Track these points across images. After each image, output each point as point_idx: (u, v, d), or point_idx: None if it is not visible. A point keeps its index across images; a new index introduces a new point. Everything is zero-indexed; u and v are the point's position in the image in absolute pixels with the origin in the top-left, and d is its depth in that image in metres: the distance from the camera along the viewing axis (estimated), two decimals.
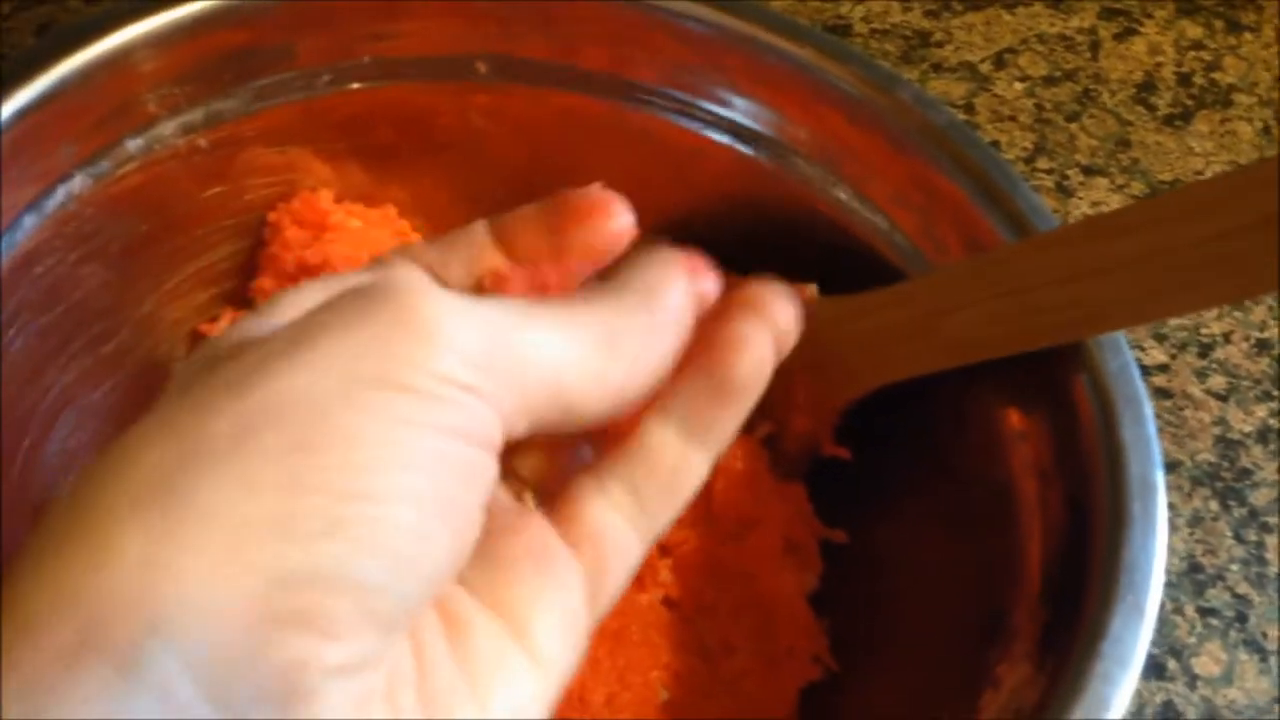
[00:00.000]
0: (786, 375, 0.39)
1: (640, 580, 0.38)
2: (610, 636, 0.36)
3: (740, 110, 0.40)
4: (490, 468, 0.21)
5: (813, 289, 0.38)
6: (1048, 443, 0.34)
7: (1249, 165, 0.29)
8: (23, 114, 0.36)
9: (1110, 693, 0.28)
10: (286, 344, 0.19)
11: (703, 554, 0.39)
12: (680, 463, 0.24)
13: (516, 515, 0.23)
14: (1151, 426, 0.32)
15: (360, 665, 0.18)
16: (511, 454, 0.24)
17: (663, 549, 0.39)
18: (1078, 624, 0.30)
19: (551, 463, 0.26)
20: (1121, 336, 0.33)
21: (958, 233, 0.37)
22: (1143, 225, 0.30)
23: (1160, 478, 0.31)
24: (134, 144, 0.39)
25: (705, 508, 0.39)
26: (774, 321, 0.27)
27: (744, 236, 0.41)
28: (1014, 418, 0.35)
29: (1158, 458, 0.31)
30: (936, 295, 0.35)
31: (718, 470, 0.38)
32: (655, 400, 0.24)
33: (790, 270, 0.39)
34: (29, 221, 0.37)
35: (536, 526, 0.23)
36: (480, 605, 0.22)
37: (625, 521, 0.24)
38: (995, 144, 0.56)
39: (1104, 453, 0.32)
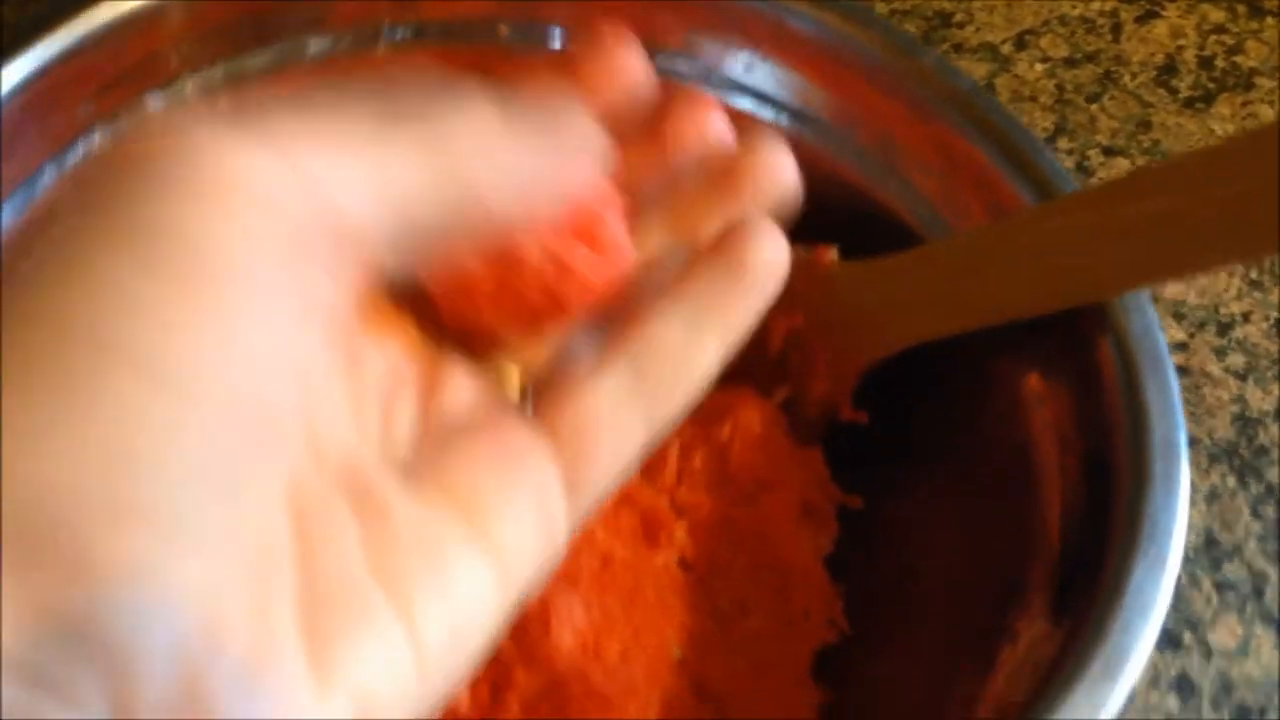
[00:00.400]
0: (806, 339, 0.40)
1: (655, 541, 0.38)
2: (625, 595, 0.36)
3: (762, 76, 0.40)
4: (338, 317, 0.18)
5: (833, 252, 0.38)
6: (1069, 405, 0.34)
7: (1271, 124, 0.29)
8: (45, 68, 0.36)
9: (1130, 643, 0.28)
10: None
11: (718, 516, 0.39)
12: (690, 347, 0.23)
13: (487, 412, 0.22)
14: (1175, 387, 0.32)
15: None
16: (505, 349, 0.24)
17: (678, 510, 0.39)
18: (1098, 577, 0.30)
19: (549, 357, 0.24)
20: (1146, 297, 0.33)
21: (979, 198, 0.37)
22: (1165, 186, 0.30)
23: (1183, 439, 0.31)
24: (155, 101, 0.39)
25: (721, 470, 0.39)
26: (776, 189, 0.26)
27: None
28: (1035, 380, 0.35)
29: (1181, 419, 0.31)
30: (958, 258, 0.35)
31: (735, 432, 0.38)
32: (667, 288, 0.23)
33: (811, 236, 0.39)
34: (49, 175, 0.37)
35: (505, 420, 0.22)
36: (425, 500, 0.20)
37: (621, 404, 0.22)
38: None
39: (1127, 414, 0.32)
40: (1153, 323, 0.33)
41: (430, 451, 0.21)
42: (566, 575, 0.35)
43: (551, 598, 0.35)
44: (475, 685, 0.35)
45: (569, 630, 0.34)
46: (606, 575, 0.37)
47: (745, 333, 0.24)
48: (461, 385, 0.22)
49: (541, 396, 0.23)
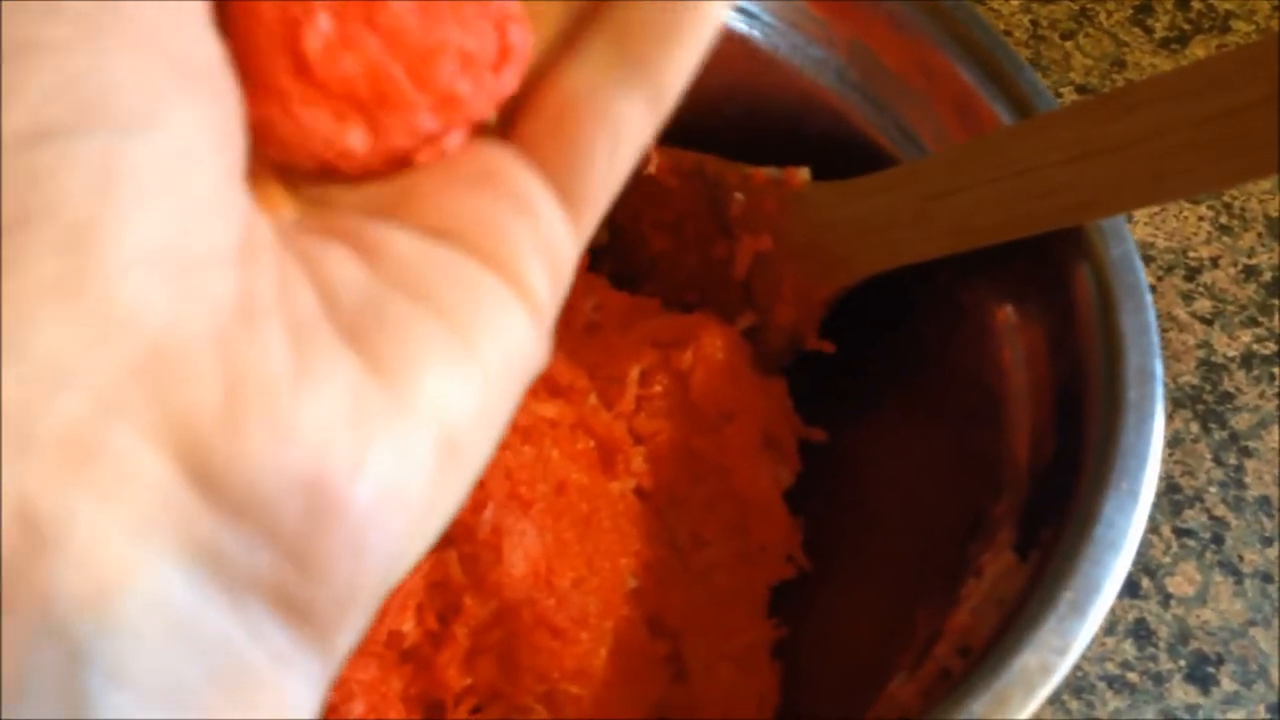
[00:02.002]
0: (773, 263, 0.38)
1: (612, 468, 0.37)
2: (580, 521, 0.35)
3: None
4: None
5: (804, 172, 0.37)
6: (1042, 334, 0.33)
7: (1256, 41, 0.27)
8: None
9: (1101, 576, 0.27)
10: None
11: (678, 445, 0.38)
12: (678, 8, 0.18)
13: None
14: (1152, 315, 0.31)
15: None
16: None
17: (637, 437, 0.38)
18: (1067, 510, 0.29)
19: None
20: (1123, 223, 0.32)
21: (958, 117, 0.35)
22: (1147, 103, 0.29)
23: (1159, 367, 0.30)
24: None
25: (682, 397, 0.38)
26: None
27: (736, 122, 0.40)
28: (1008, 310, 0.34)
29: (1157, 347, 0.30)
30: (933, 178, 0.33)
31: (697, 359, 0.37)
32: None
33: (784, 157, 0.38)
34: None
35: (471, 147, 0.18)
36: (420, 240, 0.17)
37: (606, 81, 0.18)
38: None
39: (1101, 342, 0.31)
40: (1130, 250, 0.32)
41: (394, 197, 0.18)
42: (519, 500, 0.34)
43: (503, 522, 0.33)
44: (421, 612, 0.33)
45: (521, 556, 0.33)
46: (561, 501, 0.35)
47: None
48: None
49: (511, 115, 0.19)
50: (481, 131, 0.19)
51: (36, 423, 0.13)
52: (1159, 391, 0.30)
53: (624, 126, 0.18)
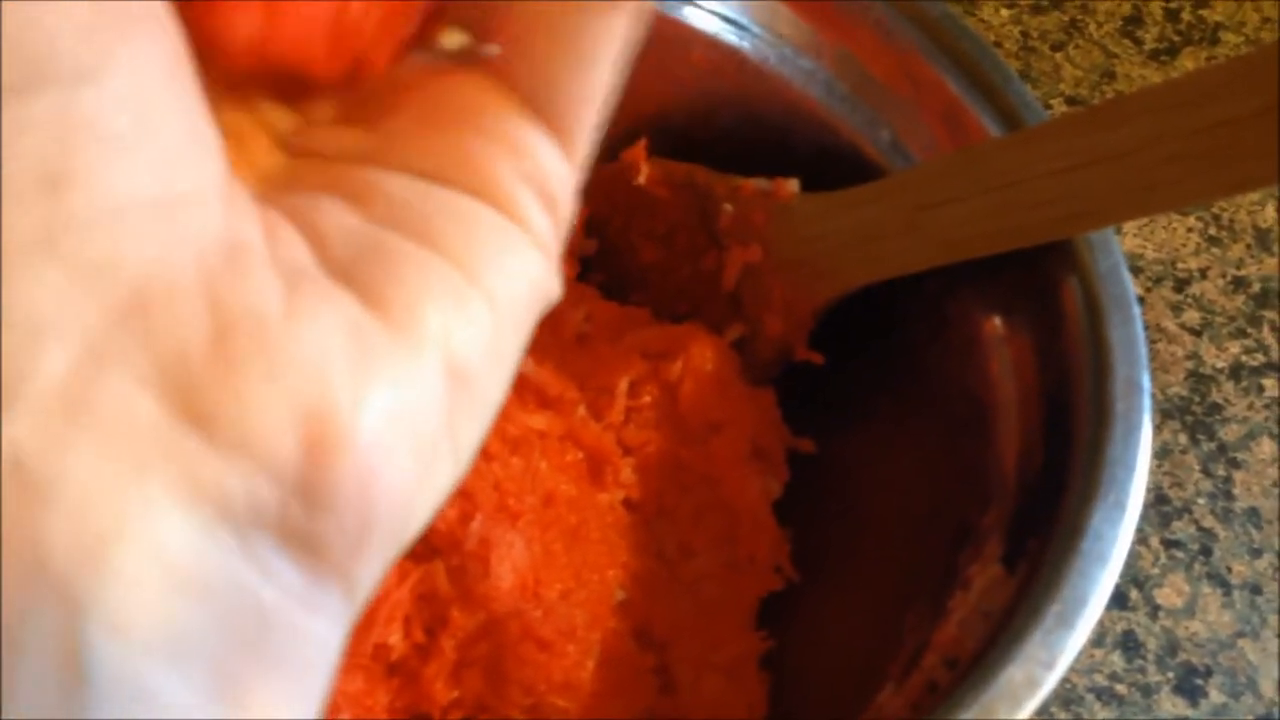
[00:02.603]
0: (762, 274, 0.38)
1: (601, 479, 0.37)
2: (568, 533, 0.35)
3: None
4: None
5: (794, 184, 0.37)
6: (1030, 346, 0.33)
7: (1249, 54, 0.27)
8: None
9: (1088, 589, 0.27)
10: None
11: (666, 456, 0.38)
12: None
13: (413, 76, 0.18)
14: (1140, 327, 0.31)
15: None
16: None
17: (626, 449, 0.38)
18: (1055, 522, 0.29)
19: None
20: (1111, 235, 0.32)
21: (946, 127, 0.35)
22: (1137, 115, 0.29)
23: (1147, 379, 0.30)
24: None
25: (671, 408, 0.38)
26: None
27: (726, 133, 0.40)
28: (996, 322, 0.34)
29: (1145, 359, 0.30)
30: (923, 189, 0.33)
31: (686, 370, 0.37)
32: None
33: (773, 168, 0.38)
34: None
35: (447, 80, 0.18)
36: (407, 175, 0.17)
37: None
38: None
39: (1090, 354, 0.31)
40: (1119, 263, 0.32)
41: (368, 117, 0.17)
42: (508, 511, 0.34)
43: (491, 534, 0.33)
44: (408, 624, 0.33)
45: (509, 568, 0.33)
46: (550, 513, 0.35)
47: None
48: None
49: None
50: (452, 58, 0.18)
51: (24, 376, 0.13)
52: (1146, 403, 0.30)
53: (595, 36, 0.17)
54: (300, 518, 0.14)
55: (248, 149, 0.17)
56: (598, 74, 0.18)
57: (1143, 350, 0.31)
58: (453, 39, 0.18)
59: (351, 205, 0.16)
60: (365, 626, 0.33)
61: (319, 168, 0.17)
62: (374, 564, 0.15)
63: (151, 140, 0.14)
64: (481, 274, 0.16)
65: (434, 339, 0.16)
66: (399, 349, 0.15)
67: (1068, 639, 0.27)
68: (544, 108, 0.18)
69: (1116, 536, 0.28)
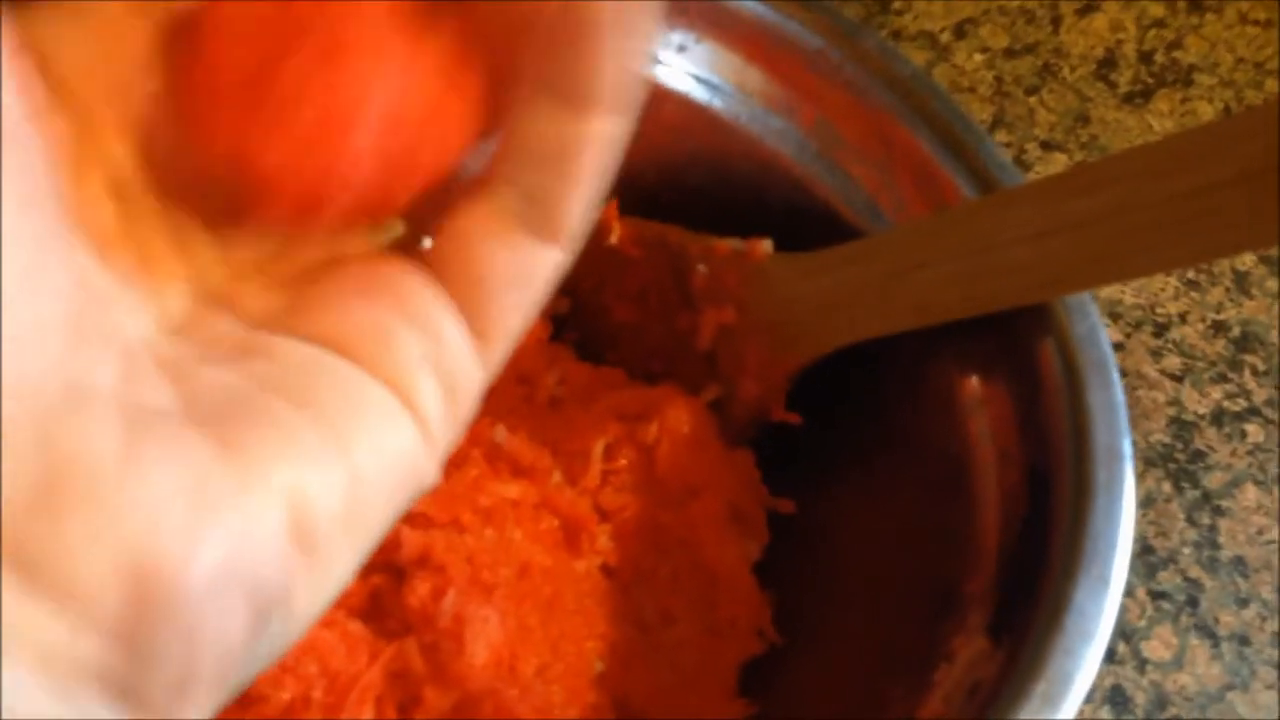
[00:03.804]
0: (737, 335, 0.38)
1: (577, 546, 0.36)
2: (544, 604, 0.34)
3: (700, 55, 0.38)
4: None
5: (767, 244, 0.36)
6: (1009, 409, 0.33)
7: (1227, 119, 0.27)
8: None
9: (1074, 667, 0.26)
10: None
11: (644, 520, 0.37)
12: (567, 136, 0.18)
13: (354, 259, 0.19)
14: (1119, 392, 0.30)
15: None
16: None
17: (602, 514, 0.37)
18: (1038, 596, 0.28)
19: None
20: (1089, 299, 0.32)
21: (918, 188, 0.35)
22: (1115, 179, 0.29)
23: (1128, 446, 0.30)
24: None
25: (648, 471, 0.37)
26: None
27: (698, 191, 0.40)
28: (974, 384, 0.34)
29: (1125, 425, 0.30)
30: (898, 253, 0.33)
31: (662, 432, 0.36)
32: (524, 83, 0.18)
33: (746, 228, 0.37)
34: None
35: (377, 262, 0.18)
36: (304, 345, 0.17)
37: (509, 223, 0.18)
38: None
39: (1069, 420, 0.31)
40: (1096, 325, 0.31)
41: (291, 302, 0.18)
42: (482, 585, 0.33)
43: (465, 610, 0.33)
44: (381, 704, 0.32)
45: (483, 645, 0.32)
46: (525, 584, 0.34)
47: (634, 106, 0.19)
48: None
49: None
50: (395, 246, 0.18)
51: None
52: (1128, 471, 0.29)
53: (534, 271, 0.19)
54: (121, 669, 0.14)
55: (160, 283, 0.17)
56: (527, 295, 0.19)
57: (1123, 415, 0.30)
58: (393, 228, 0.18)
59: (238, 364, 0.16)
60: (335, 706, 0.32)
61: (224, 326, 0.17)
62: (202, 706, 0.15)
63: None
64: (352, 445, 0.16)
65: (282, 491, 0.15)
66: (243, 495, 0.15)
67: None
68: (470, 309, 0.18)
69: (1101, 612, 0.27)
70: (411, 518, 0.33)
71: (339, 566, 0.17)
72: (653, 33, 0.18)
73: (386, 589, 0.33)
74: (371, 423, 0.17)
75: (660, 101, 0.39)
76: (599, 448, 0.37)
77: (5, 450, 0.14)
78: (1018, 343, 0.32)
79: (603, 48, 0.17)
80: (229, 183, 0.17)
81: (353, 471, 0.16)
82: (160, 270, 0.17)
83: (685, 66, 0.38)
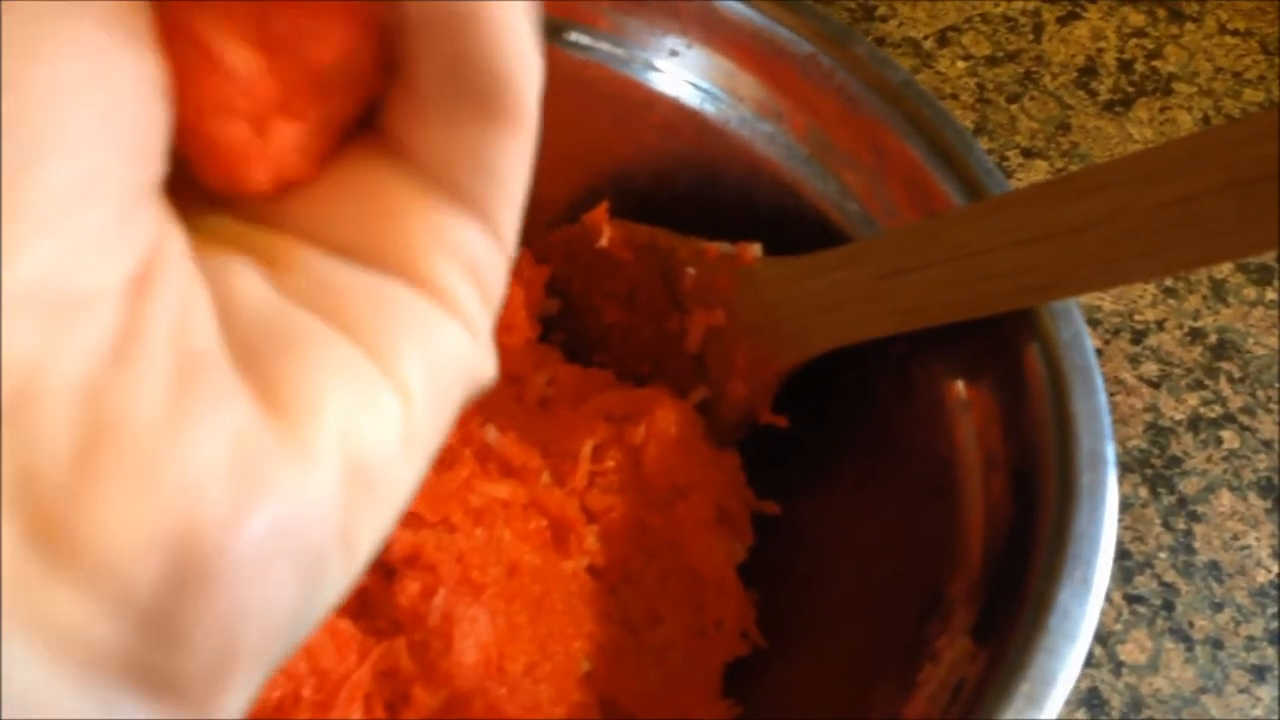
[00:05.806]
0: (726, 338, 0.38)
1: (565, 547, 0.37)
2: (533, 604, 0.35)
3: (691, 61, 0.38)
4: None
5: (756, 248, 0.36)
6: (995, 413, 0.33)
7: (1208, 130, 0.28)
8: None
9: (1056, 668, 0.27)
10: None
11: (631, 521, 0.38)
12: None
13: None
14: (1103, 398, 0.31)
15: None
16: None
17: (590, 515, 0.37)
18: (1022, 598, 0.29)
19: None
20: (1074, 305, 0.32)
21: (909, 194, 0.35)
22: (1104, 187, 0.29)
23: (1111, 451, 0.30)
24: None
25: (635, 473, 0.38)
26: None
27: (688, 195, 0.40)
28: (960, 387, 0.34)
29: (1109, 430, 0.30)
30: (887, 257, 0.33)
31: (650, 434, 0.37)
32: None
33: (735, 232, 0.38)
34: None
35: (370, 163, 0.17)
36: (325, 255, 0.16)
37: (448, 111, 0.16)
38: None
39: (1054, 424, 0.31)
40: (1081, 331, 0.32)
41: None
42: (471, 584, 0.33)
43: (454, 609, 0.33)
44: (369, 702, 0.33)
45: (472, 644, 0.33)
46: (514, 584, 0.35)
47: None
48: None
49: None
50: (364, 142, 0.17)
51: None
52: (1111, 475, 0.30)
53: (493, 147, 0.17)
54: (150, 657, 0.13)
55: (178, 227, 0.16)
56: (523, 179, 0.17)
57: (1106, 421, 0.31)
58: None
59: (266, 273, 0.16)
60: (325, 705, 0.32)
61: (238, 230, 0.16)
62: (242, 689, 0.14)
63: (74, 231, 0.13)
64: (395, 362, 0.15)
65: (333, 440, 0.15)
66: (291, 455, 0.14)
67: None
68: (464, 195, 0.17)
69: (1084, 614, 0.28)
70: (402, 517, 0.33)
71: (401, 488, 0.16)
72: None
73: (376, 588, 0.33)
74: (413, 332, 0.16)
75: (650, 105, 0.39)
76: (587, 448, 0.38)
77: (48, 419, 0.13)
78: (1004, 347, 0.33)
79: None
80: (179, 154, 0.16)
81: (404, 393, 0.15)
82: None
83: (677, 71, 0.38)
